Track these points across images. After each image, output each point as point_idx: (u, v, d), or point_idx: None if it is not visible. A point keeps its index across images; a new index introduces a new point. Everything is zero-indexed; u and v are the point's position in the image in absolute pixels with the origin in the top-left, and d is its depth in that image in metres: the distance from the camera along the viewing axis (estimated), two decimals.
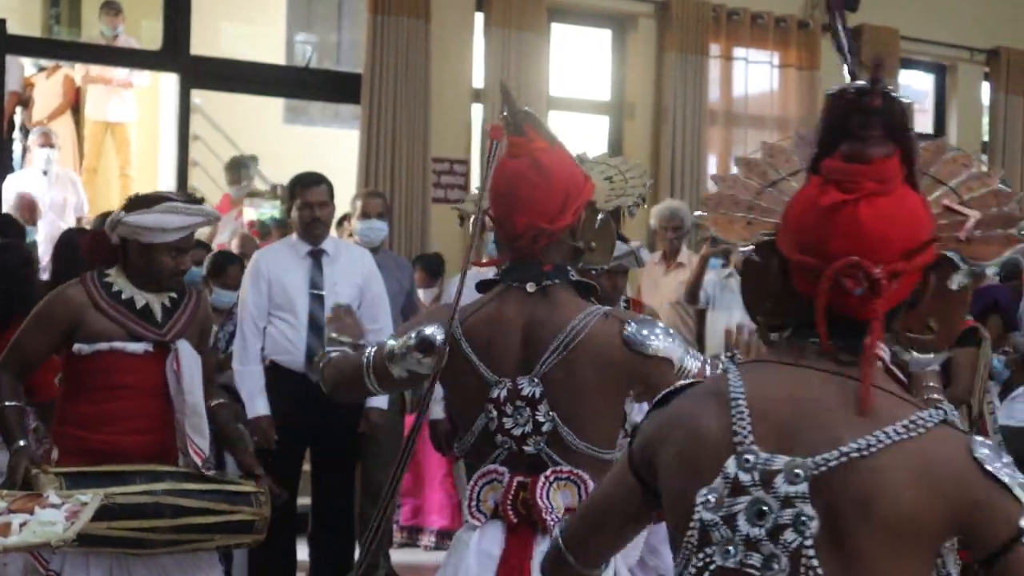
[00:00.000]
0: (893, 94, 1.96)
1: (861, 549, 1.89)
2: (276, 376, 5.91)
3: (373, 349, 3.25)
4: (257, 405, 5.81)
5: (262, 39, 11.53)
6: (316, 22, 12.52)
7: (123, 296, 4.24)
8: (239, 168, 10.10)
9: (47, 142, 10.18)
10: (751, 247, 2.12)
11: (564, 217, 3.10)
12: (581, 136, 10.43)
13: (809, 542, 1.88)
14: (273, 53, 11.62)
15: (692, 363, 3.09)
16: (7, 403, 4.19)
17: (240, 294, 6.03)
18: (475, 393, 3.12)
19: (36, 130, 10.05)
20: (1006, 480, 1.84)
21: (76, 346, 4.17)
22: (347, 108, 9.58)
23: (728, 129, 10.41)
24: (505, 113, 3.24)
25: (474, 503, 3.14)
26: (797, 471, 1.90)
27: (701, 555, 1.98)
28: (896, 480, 1.87)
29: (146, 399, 4.24)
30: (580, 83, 10.42)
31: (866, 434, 1.88)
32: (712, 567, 1.97)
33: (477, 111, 9.31)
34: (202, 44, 9.06)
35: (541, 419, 3.03)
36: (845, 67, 2.18)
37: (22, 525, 2.42)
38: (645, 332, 3.05)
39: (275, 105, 11.92)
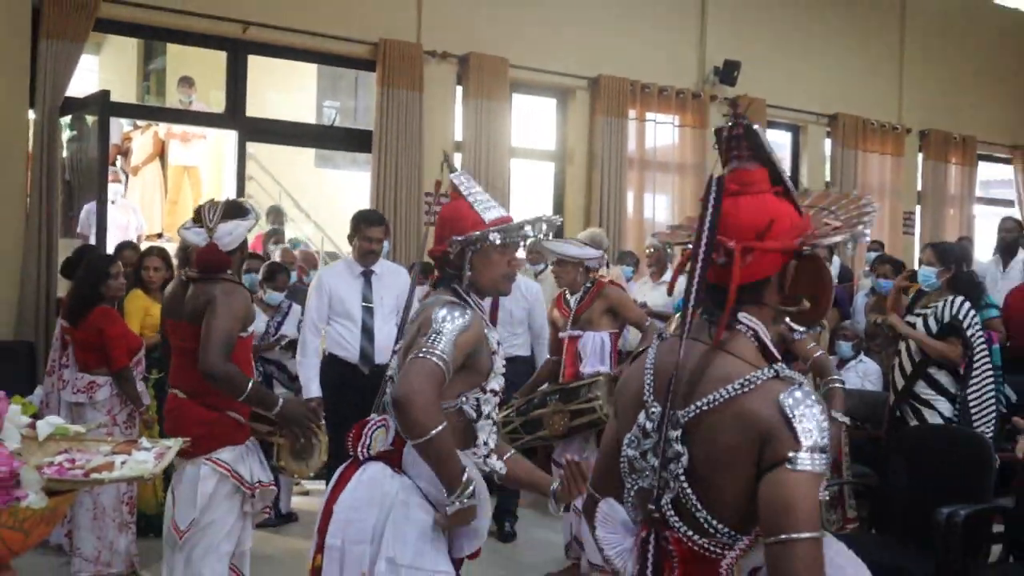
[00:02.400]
0: (748, 127, 2.08)
1: (709, 475, 1.97)
2: (334, 365, 5.95)
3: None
4: (312, 389, 5.82)
5: (299, 104, 11.50)
6: (339, 92, 12.50)
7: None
8: (277, 212, 10.24)
9: (116, 179, 10.19)
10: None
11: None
12: (534, 177, 10.46)
13: (681, 470, 1.99)
14: (307, 115, 11.60)
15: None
16: (251, 381, 3.94)
17: (307, 302, 6.00)
18: None
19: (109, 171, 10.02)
20: (793, 420, 1.87)
21: (248, 330, 4.09)
22: (362, 156, 9.56)
23: (641, 172, 10.41)
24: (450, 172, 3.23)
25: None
26: (677, 419, 2.00)
27: (630, 480, 2.13)
28: (724, 424, 1.95)
29: (249, 370, 4.17)
30: (533, 137, 10.44)
31: (714, 391, 1.97)
32: (636, 487, 2.11)
33: (458, 157, 9.30)
34: (254, 108, 9.01)
35: (393, 369, 3.04)
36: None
37: (122, 463, 2.41)
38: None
39: (308, 153, 11.91)
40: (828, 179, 12.26)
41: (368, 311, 5.94)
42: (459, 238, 3.01)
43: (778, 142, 12.15)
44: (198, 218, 4.06)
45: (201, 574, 3.91)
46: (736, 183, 2.03)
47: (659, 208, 10.44)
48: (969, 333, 5.51)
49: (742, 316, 2.04)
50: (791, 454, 1.86)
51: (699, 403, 1.98)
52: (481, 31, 9.32)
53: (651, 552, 2.06)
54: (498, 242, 2.99)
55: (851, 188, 12.09)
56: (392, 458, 2.94)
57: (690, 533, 1.99)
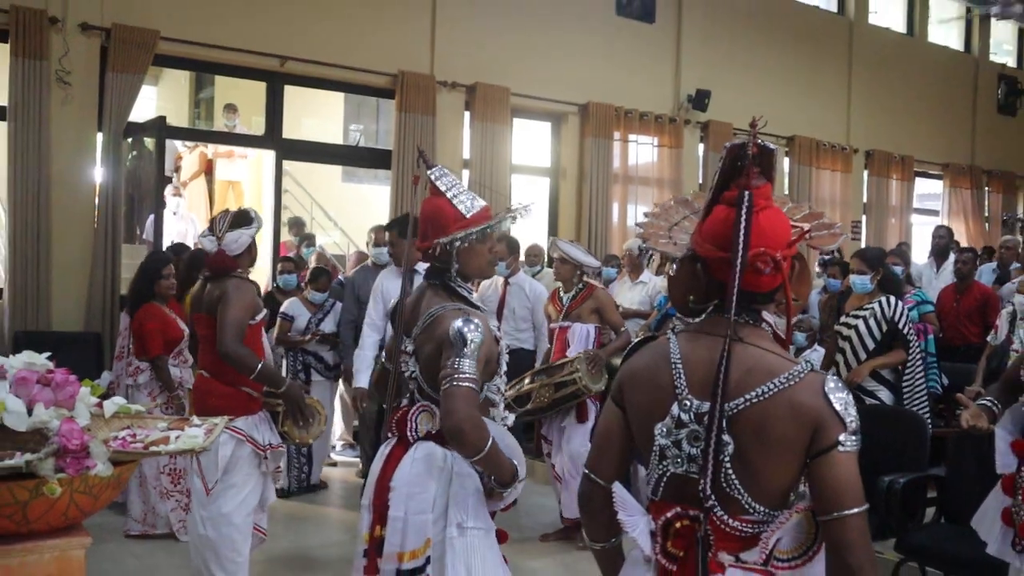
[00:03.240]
0: (763, 147, 2.01)
1: (755, 461, 1.90)
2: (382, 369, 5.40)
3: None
4: (360, 379, 5.26)
5: (328, 127, 11.49)
6: (363, 116, 12.48)
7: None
8: (297, 224, 10.13)
9: (177, 193, 10.21)
10: (681, 255, 2.11)
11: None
12: (531, 191, 10.45)
13: (727, 459, 1.90)
14: (335, 136, 11.58)
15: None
16: (261, 362, 4.05)
17: (368, 304, 5.44)
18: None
19: (169, 186, 10.05)
20: (838, 407, 1.85)
21: (256, 318, 4.14)
22: (383, 172, 9.55)
23: (625, 187, 10.41)
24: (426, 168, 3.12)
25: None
26: (722, 412, 1.89)
27: (660, 467, 2.00)
28: (777, 415, 1.87)
29: (262, 353, 4.24)
30: (531, 156, 10.42)
31: (763, 385, 1.89)
32: (668, 474, 1.99)
33: (466, 174, 9.30)
34: (290, 131, 9.02)
35: (412, 368, 2.97)
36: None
37: (176, 438, 2.43)
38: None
39: (336, 170, 11.89)
40: (787, 192, 12.26)
41: None
42: (444, 240, 2.96)
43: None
44: (212, 227, 4.17)
45: (230, 523, 4.05)
46: (762, 198, 1.97)
47: (640, 218, 10.41)
48: (905, 331, 5.48)
49: (765, 314, 2.02)
50: (841, 437, 1.85)
51: (748, 396, 1.89)
52: (486, 64, 9.33)
53: (677, 528, 1.97)
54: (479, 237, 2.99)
55: (807, 200, 12.09)
56: (439, 437, 2.92)
57: (725, 515, 1.92)
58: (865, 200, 13.23)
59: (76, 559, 2.19)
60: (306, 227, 9.45)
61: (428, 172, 3.15)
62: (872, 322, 5.45)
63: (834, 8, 13.14)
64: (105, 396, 2.45)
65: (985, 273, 8.98)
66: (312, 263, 8.20)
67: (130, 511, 5.60)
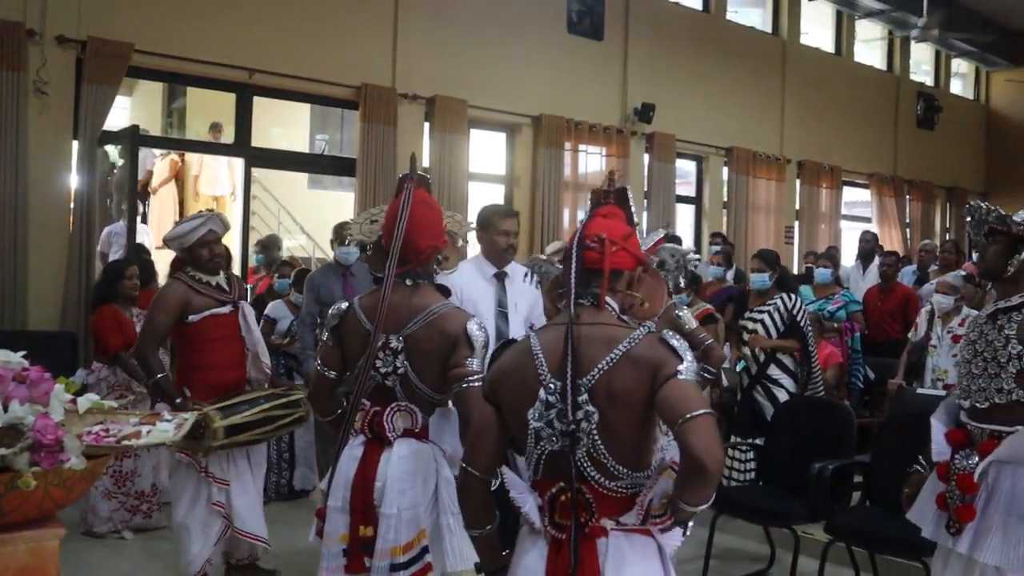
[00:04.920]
0: (620, 190, 2.40)
1: (615, 424, 2.03)
2: None
3: None
4: None
5: (295, 136, 11.39)
6: (328, 126, 12.38)
7: (204, 280, 4.15)
8: (266, 247, 8.78)
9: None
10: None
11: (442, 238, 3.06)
12: (488, 197, 10.44)
13: (595, 426, 2.02)
14: (302, 145, 11.50)
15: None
16: (158, 376, 4.06)
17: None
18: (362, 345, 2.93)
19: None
20: (676, 346, 2.02)
21: (189, 317, 4.05)
22: (347, 179, 9.46)
23: (575, 194, 10.42)
24: (411, 172, 3.11)
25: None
26: (580, 387, 2.04)
27: (538, 448, 2.12)
28: (624, 374, 2.01)
29: (232, 345, 4.17)
30: (487, 164, 10.40)
31: (609, 354, 2.03)
32: (546, 453, 2.10)
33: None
34: (258, 140, 8.93)
35: (399, 365, 2.87)
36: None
37: (147, 432, 2.40)
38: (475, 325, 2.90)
39: (303, 177, 11.77)
40: (725, 200, 12.38)
41: (503, 317, 4.39)
42: (440, 251, 3.04)
43: (685, 169, 12.25)
44: None
45: (178, 517, 4.18)
46: (608, 210, 2.23)
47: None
48: (802, 324, 5.60)
49: (607, 298, 2.14)
50: (680, 367, 1.99)
51: (600, 366, 2.03)
52: (445, 78, 9.30)
53: (575, 504, 2.05)
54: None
55: (744, 207, 12.22)
56: (419, 433, 2.92)
57: (603, 480, 2.05)
58: (798, 207, 13.38)
59: (50, 549, 2.17)
60: (279, 249, 8.88)
61: (419, 176, 3.17)
62: (776, 316, 5.62)
63: (769, 29, 13.28)
64: (79, 393, 2.42)
65: (906, 275, 9.14)
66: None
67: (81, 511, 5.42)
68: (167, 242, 4.30)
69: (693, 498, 1.98)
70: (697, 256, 5.39)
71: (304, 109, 11.35)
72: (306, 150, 11.50)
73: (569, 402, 2.02)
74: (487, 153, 10.42)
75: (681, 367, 1.99)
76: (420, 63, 9.18)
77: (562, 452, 2.05)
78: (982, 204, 3.18)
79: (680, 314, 4.61)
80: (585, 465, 2.05)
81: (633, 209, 2.33)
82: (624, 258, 2.15)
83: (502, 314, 4.34)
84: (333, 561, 2.88)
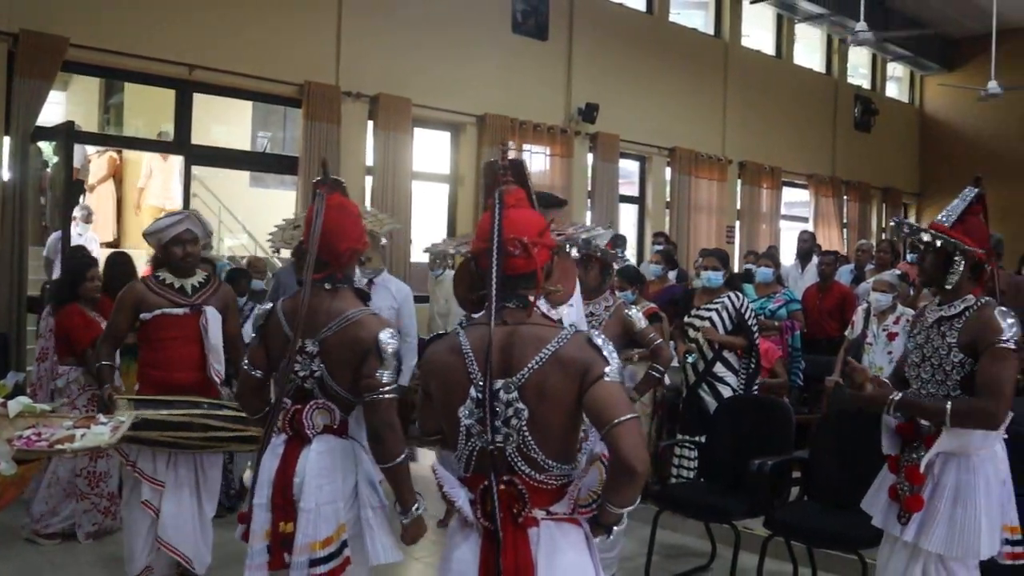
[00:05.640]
0: (515, 161, 2.32)
1: (545, 421, 2.08)
2: None
3: None
4: None
5: (237, 134, 11.24)
6: (270, 124, 12.25)
7: (166, 282, 4.17)
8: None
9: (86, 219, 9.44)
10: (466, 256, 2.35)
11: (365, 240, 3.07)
12: (432, 196, 10.42)
13: (524, 423, 2.07)
14: (243, 142, 11.35)
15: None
16: (102, 362, 4.18)
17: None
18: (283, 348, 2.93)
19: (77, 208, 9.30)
20: (603, 351, 2.08)
21: (141, 315, 4.12)
22: (289, 177, 9.36)
23: (533, 190, 10.43)
24: (324, 178, 3.08)
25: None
26: (510, 385, 2.08)
27: (469, 445, 2.17)
28: (554, 373, 2.06)
29: (188, 346, 4.12)
30: (431, 163, 10.36)
31: (539, 353, 2.07)
32: (477, 449, 2.14)
33: (369, 180, 9.23)
34: (199, 137, 8.78)
35: (315, 368, 2.89)
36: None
37: (82, 435, 2.35)
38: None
39: (244, 175, 11.63)
40: (668, 199, 12.50)
41: None
42: (360, 253, 3.04)
43: (628, 169, 12.35)
44: None
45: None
46: (513, 198, 2.19)
47: None
48: (749, 323, 5.69)
49: (530, 296, 2.17)
50: (607, 370, 2.05)
51: (530, 365, 2.08)
52: (389, 76, 9.25)
53: (495, 498, 2.10)
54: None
55: (686, 207, 12.35)
56: (338, 430, 2.94)
57: (534, 473, 2.11)
58: (739, 207, 13.58)
59: None
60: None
61: (332, 180, 3.13)
62: (724, 314, 5.69)
63: (711, 31, 13.45)
64: (11, 396, 2.36)
65: (844, 274, 9.30)
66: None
67: (31, 510, 5.28)
68: (146, 236, 4.27)
69: (620, 499, 2.07)
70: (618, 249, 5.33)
71: (246, 106, 11.22)
72: (248, 148, 11.36)
73: (487, 408, 2.07)
74: (431, 152, 10.38)
75: (608, 369, 2.05)
76: (364, 61, 9.12)
77: (493, 448, 2.10)
78: (906, 223, 3.33)
79: (630, 313, 4.64)
80: (516, 459, 2.11)
81: (529, 180, 2.33)
82: (544, 254, 2.18)
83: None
84: (257, 558, 2.88)
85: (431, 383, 2.27)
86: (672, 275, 8.15)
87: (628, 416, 2.01)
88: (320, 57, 8.88)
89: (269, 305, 3.08)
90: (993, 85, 12.42)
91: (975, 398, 3.02)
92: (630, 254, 10.67)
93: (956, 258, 3.14)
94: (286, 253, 4.78)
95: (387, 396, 2.77)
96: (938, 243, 3.16)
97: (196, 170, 9.14)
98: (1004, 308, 3.11)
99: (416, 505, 2.80)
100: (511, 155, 2.28)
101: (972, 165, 16.06)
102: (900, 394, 3.16)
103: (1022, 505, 3.32)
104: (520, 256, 2.12)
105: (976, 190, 3.25)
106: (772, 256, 8.33)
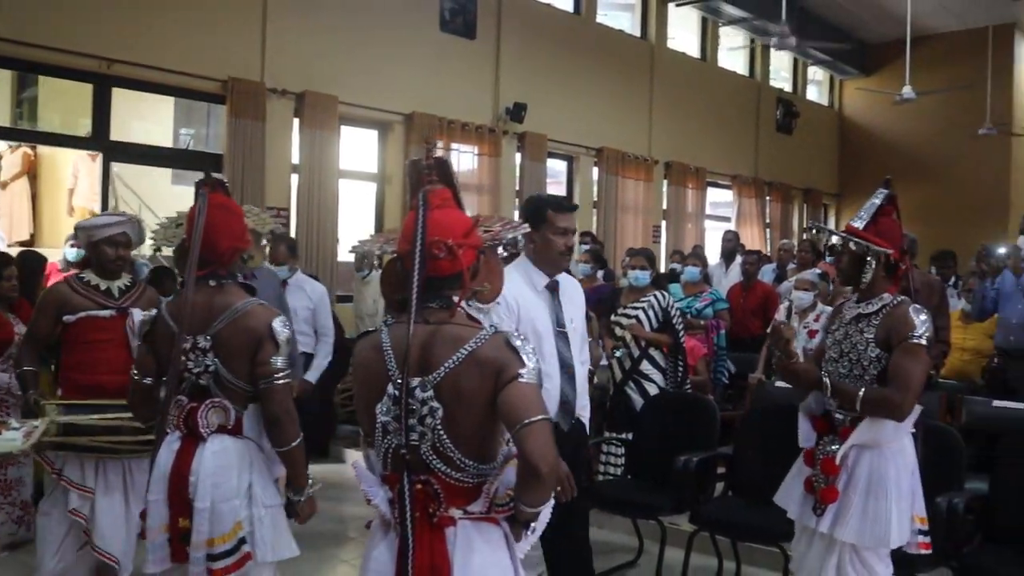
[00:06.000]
0: (440, 159, 2.30)
1: (461, 420, 2.09)
2: None
3: None
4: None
5: (157, 130, 10.97)
6: (193, 120, 11.98)
7: (92, 283, 4.09)
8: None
9: None
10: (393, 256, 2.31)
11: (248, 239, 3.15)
12: (359, 195, 10.32)
13: (439, 422, 2.08)
14: (165, 139, 11.09)
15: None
16: (24, 368, 4.10)
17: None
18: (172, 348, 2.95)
19: None
20: (520, 352, 2.09)
21: (64, 317, 4.02)
22: (214, 176, 9.19)
23: (459, 189, 10.40)
24: (206, 177, 3.16)
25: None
26: (426, 384, 2.09)
27: (385, 442, 2.17)
28: (470, 373, 2.07)
29: (115, 349, 4.03)
30: (359, 161, 10.27)
31: (455, 353, 2.08)
32: (392, 446, 2.14)
33: (294, 179, 9.11)
34: (118, 133, 8.57)
35: (209, 363, 2.93)
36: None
37: None
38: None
39: (166, 173, 11.36)
40: (595, 199, 12.60)
41: (563, 338, 3.48)
42: (242, 251, 3.10)
43: (556, 168, 12.41)
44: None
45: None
46: (438, 199, 2.19)
47: None
48: (674, 321, 5.80)
49: (455, 297, 2.17)
50: (522, 371, 2.06)
51: (447, 364, 2.08)
52: (315, 73, 9.15)
53: (407, 495, 2.11)
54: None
55: (613, 207, 12.47)
56: (233, 429, 2.97)
57: (450, 471, 2.11)
58: (665, 207, 13.75)
59: None
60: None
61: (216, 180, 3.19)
62: (651, 312, 5.79)
63: (637, 33, 13.60)
64: None
65: (766, 273, 9.49)
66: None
67: None
68: (78, 230, 4.21)
69: (530, 499, 2.09)
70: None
71: (167, 102, 10.94)
72: (169, 145, 11.10)
73: (403, 406, 2.07)
74: (358, 150, 10.30)
75: (523, 370, 2.06)
76: (290, 57, 9.00)
77: (410, 446, 2.10)
78: (819, 227, 3.47)
79: None
80: (431, 458, 2.11)
81: (455, 179, 2.31)
82: (470, 255, 2.18)
83: (561, 335, 3.47)
84: (158, 552, 2.91)
85: (356, 378, 2.29)
86: (600, 274, 8.21)
87: (537, 418, 2.01)
88: (244, 53, 8.74)
89: (154, 311, 3.13)
90: (907, 90, 12.79)
91: (885, 388, 3.16)
92: None
93: (868, 258, 3.27)
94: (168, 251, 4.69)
95: (282, 382, 2.89)
96: (851, 245, 3.29)
97: (116, 167, 8.91)
98: (918, 306, 3.23)
99: (311, 485, 2.99)
100: (437, 154, 2.27)
101: (888, 166, 16.51)
102: (826, 375, 3.29)
103: (929, 496, 3.46)
104: (445, 258, 2.12)
105: (887, 191, 3.38)
106: (699, 255, 8.45)
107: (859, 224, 3.33)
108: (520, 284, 3.43)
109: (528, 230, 2.48)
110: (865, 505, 3.20)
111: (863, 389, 3.18)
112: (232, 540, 2.86)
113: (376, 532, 2.24)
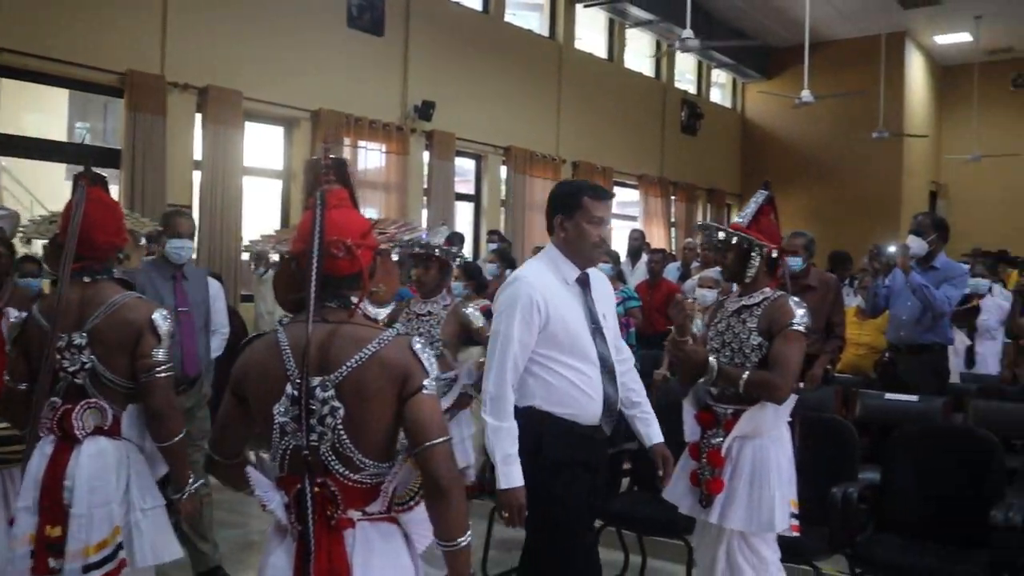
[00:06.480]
0: (337, 160, 2.30)
1: (361, 420, 2.08)
2: (559, 432, 3.07)
3: None
4: (514, 474, 2.95)
5: (51, 124, 10.60)
6: (90, 114, 11.62)
7: None
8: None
9: None
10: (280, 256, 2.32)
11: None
12: (264, 192, 10.14)
13: (340, 422, 2.06)
14: (59, 133, 10.72)
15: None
16: None
17: (500, 326, 3.06)
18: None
19: None
20: (423, 360, 2.11)
21: None
22: (111, 171, 8.91)
23: (356, 190, 10.31)
24: (86, 171, 3.11)
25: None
26: (327, 383, 2.07)
27: (283, 443, 2.12)
28: (373, 374, 2.06)
29: None
30: (264, 158, 10.09)
31: (358, 352, 2.07)
32: (291, 448, 2.11)
33: (197, 175, 8.90)
34: (8, 126, 8.25)
35: (86, 360, 2.89)
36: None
37: None
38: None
39: (60, 168, 10.98)
40: (503, 198, 12.65)
41: (599, 334, 3.17)
42: (119, 248, 3.08)
43: (465, 167, 12.42)
44: None
45: None
46: (335, 199, 2.18)
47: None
48: None
49: (353, 297, 2.17)
50: (426, 382, 2.08)
51: (348, 364, 2.07)
52: (218, 67, 8.94)
53: (308, 498, 2.08)
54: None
55: (521, 206, 12.53)
56: (110, 430, 2.90)
57: (348, 473, 2.09)
58: None
59: None
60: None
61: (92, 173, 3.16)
62: None
63: (545, 33, 13.71)
64: None
65: (671, 271, 9.67)
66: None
67: None
68: None
69: (447, 529, 2.07)
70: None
71: (62, 95, 10.59)
72: (64, 139, 10.73)
73: (303, 406, 2.05)
74: (264, 147, 10.12)
75: (427, 381, 2.08)
76: (192, 50, 8.78)
77: (308, 447, 2.09)
78: (709, 224, 3.60)
79: (468, 312, 4.70)
80: (330, 459, 2.08)
81: (352, 180, 2.31)
82: (367, 256, 2.18)
83: (597, 331, 3.16)
84: (19, 564, 2.80)
85: (247, 382, 2.20)
86: (509, 273, 8.25)
87: (442, 439, 2.06)
88: (144, 44, 8.49)
89: (24, 313, 3.06)
90: (806, 94, 13.19)
91: (766, 372, 3.31)
92: (466, 252, 10.73)
93: (753, 253, 3.44)
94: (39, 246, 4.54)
95: (164, 375, 2.87)
96: (733, 240, 3.46)
97: (5, 161, 8.59)
98: (796, 299, 3.44)
99: (192, 482, 2.98)
100: (339, 154, 2.26)
101: (788, 168, 17.10)
102: (714, 359, 3.40)
103: (824, 487, 3.71)
104: (343, 258, 2.11)
105: (766, 193, 3.55)
106: (611, 254, 8.56)
107: (743, 223, 3.52)
108: (548, 279, 3.13)
109: (423, 234, 2.50)
110: (750, 493, 3.33)
111: (747, 372, 3.33)
112: (110, 547, 2.79)
113: (272, 538, 2.19)
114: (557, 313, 3.06)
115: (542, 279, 3.10)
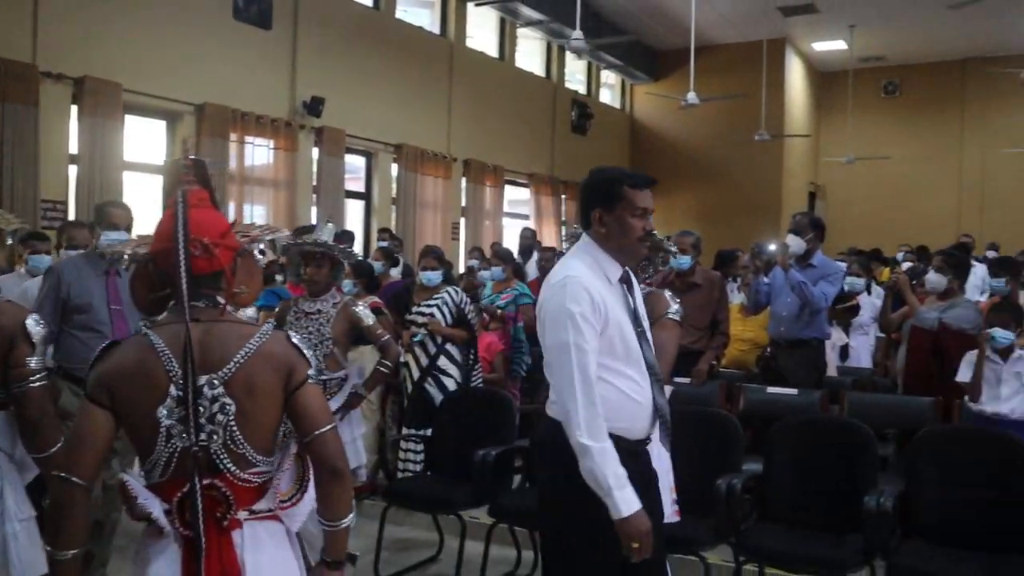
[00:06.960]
0: (197, 160, 2.33)
1: (252, 415, 2.09)
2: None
3: None
4: (633, 498, 2.52)
5: None
6: None
7: None
8: None
9: None
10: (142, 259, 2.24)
11: None
12: (148, 189, 9.81)
13: (232, 418, 2.06)
14: None
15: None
16: None
17: (566, 337, 2.57)
18: None
19: None
20: (305, 352, 2.17)
21: None
22: None
23: (241, 187, 10.09)
24: None
25: None
26: (214, 381, 2.06)
27: (168, 447, 2.06)
28: (259, 368, 2.09)
29: None
30: (146, 153, 9.74)
31: (243, 348, 2.09)
32: (178, 450, 2.06)
33: (73, 170, 8.54)
34: None
35: None
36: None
37: None
38: None
39: None
40: (394, 196, 12.56)
41: (644, 339, 2.78)
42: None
43: (355, 164, 12.29)
44: None
45: None
46: (196, 199, 2.18)
47: (257, 217, 10.14)
48: (468, 316, 5.97)
49: (218, 297, 2.17)
50: (309, 372, 2.14)
51: (235, 360, 2.07)
52: (96, 57, 8.59)
53: (198, 499, 2.04)
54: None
55: (412, 204, 12.48)
56: None
57: (238, 471, 2.08)
58: (464, 204, 13.91)
59: None
60: None
61: None
62: (445, 309, 5.93)
63: (437, 30, 13.67)
64: None
65: None
66: None
67: None
68: None
69: (334, 510, 2.15)
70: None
71: None
72: None
73: (190, 406, 2.02)
74: (146, 142, 9.78)
75: (310, 371, 2.14)
76: (67, 39, 8.41)
77: (199, 446, 2.05)
78: (575, 228, 3.73)
79: (357, 310, 4.67)
80: (221, 457, 2.06)
81: (211, 180, 2.32)
82: (227, 255, 2.17)
83: (642, 335, 2.78)
84: None
85: (119, 390, 2.06)
86: (396, 271, 8.19)
87: (330, 426, 2.14)
88: (13, 31, 8.08)
89: None
90: (692, 96, 13.52)
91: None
92: (357, 250, 10.62)
93: None
94: None
95: (39, 384, 2.74)
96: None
97: None
98: (671, 293, 3.81)
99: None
100: (194, 157, 2.26)
101: (675, 168, 17.50)
102: None
103: (709, 478, 3.84)
104: (201, 256, 2.10)
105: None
106: (501, 254, 8.59)
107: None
108: (593, 277, 2.69)
109: (286, 236, 2.48)
110: None
111: None
112: None
113: (149, 547, 2.09)
114: (614, 316, 2.67)
115: (591, 279, 2.67)
